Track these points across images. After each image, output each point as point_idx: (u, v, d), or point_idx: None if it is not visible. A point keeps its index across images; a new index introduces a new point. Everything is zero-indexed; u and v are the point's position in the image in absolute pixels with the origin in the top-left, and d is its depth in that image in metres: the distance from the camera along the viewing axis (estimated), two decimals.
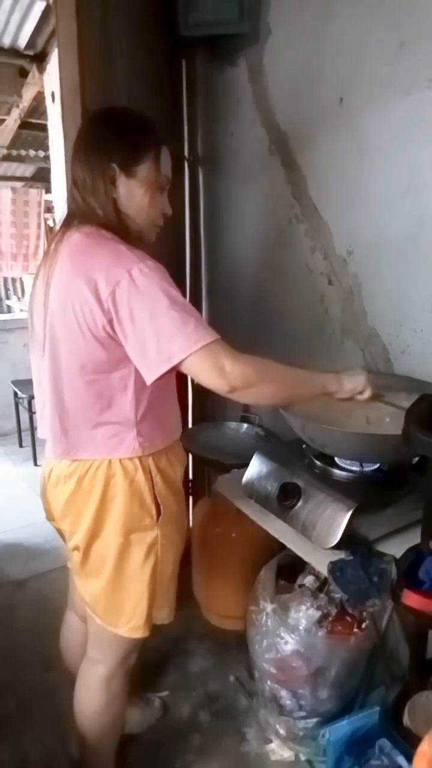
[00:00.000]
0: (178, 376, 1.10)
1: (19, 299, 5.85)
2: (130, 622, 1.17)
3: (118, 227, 1.07)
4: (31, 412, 3.61)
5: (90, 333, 1.01)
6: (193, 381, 2.11)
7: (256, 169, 1.83)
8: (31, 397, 3.46)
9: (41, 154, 5.16)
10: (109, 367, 1.05)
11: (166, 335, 0.96)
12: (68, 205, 1.13)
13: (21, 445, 3.95)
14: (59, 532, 1.26)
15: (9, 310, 5.78)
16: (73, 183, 1.10)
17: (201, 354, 0.97)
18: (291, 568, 1.51)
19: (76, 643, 1.41)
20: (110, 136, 1.08)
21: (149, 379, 1.00)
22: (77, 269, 1.01)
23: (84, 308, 0.99)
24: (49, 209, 5.30)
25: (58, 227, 1.14)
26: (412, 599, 0.94)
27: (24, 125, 4.22)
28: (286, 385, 1.10)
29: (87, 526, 1.13)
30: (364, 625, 1.35)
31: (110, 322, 0.99)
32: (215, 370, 0.98)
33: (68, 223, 1.10)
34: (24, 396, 3.68)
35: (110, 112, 1.16)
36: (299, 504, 1.20)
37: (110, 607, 1.17)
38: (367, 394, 1.15)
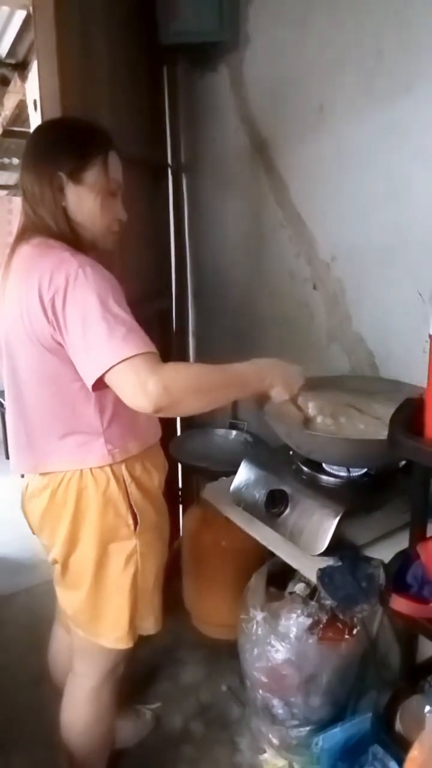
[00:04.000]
0: None
1: None
2: (113, 633, 1.16)
3: (70, 236, 1.06)
4: None
5: (40, 343, 1.00)
6: None
7: (239, 175, 1.84)
8: None
9: None
10: (67, 377, 1.03)
11: (94, 344, 0.93)
12: (21, 218, 1.11)
13: (7, 457, 3.90)
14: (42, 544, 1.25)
15: None
16: (23, 195, 1.09)
17: (123, 368, 0.91)
18: (281, 576, 1.50)
19: (64, 657, 1.38)
20: (55, 144, 1.07)
21: (89, 386, 0.96)
22: (24, 281, 1.00)
23: (32, 318, 0.98)
24: None
25: (12, 242, 1.11)
26: (400, 604, 0.94)
27: (6, 133, 4.20)
28: (215, 393, 1.03)
29: (63, 539, 1.12)
30: (354, 631, 1.34)
31: (54, 329, 0.97)
32: (136, 387, 0.91)
33: (21, 237, 1.09)
34: None
35: (55, 122, 1.18)
36: (287, 511, 1.20)
37: (92, 619, 1.16)
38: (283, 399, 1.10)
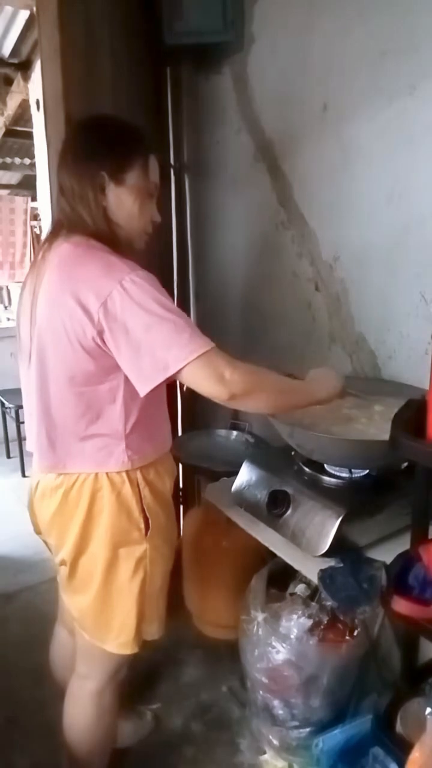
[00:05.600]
0: (168, 386, 1.09)
1: (5, 308, 5.81)
2: (119, 638, 1.15)
3: (108, 236, 1.06)
4: (18, 422, 3.58)
5: (79, 344, 1.00)
6: (182, 389, 2.11)
7: (243, 176, 1.84)
8: (19, 407, 3.43)
9: (27, 161, 5.15)
10: (97, 378, 1.04)
11: (161, 345, 0.95)
12: (56, 214, 1.12)
13: (9, 456, 3.91)
14: (47, 544, 1.25)
15: None
16: (61, 191, 1.09)
17: (198, 363, 0.95)
18: (282, 576, 1.50)
19: (65, 656, 1.38)
20: (100, 144, 1.07)
21: (143, 390, 0.99)
22: (67, 280, 1.00)
23: (73, 319, 0.98)
24: (35, 217, 5.28)
25: (45, 236, 1.12)
26: (401, 605, 0.94)
27: (9, 133, 4.20)
28: (281, 394, 1.09)
29: (73, 541, 1.11)
30: (355, 633, 1.34)
31: (100, 333, 0.98)
32: (214, 377, 0.96)
33: (56, 232, 1.08)
34: (11, 406, 3.64)
35: (99, 120, 1.16)
36: (289, 512, 1.20)
37: (98, 623, 1.15)
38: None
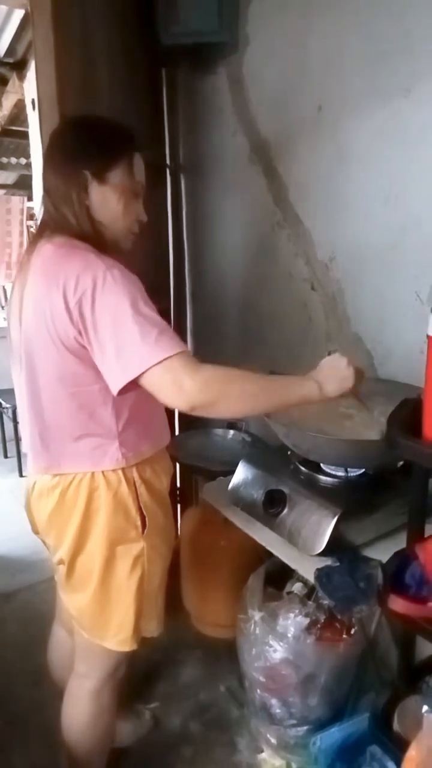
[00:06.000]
0: None
1: (1, 307, 5.80)
2: (118, 636, 1.16)
3: (92, 236, 1.06)
4: (15, 422, 3.57)
5: (62, 345, 1.00)
6: None
7: (238, 177, 1.84)
8: (15, 407, 3.42)
9: (23, 161, 5.14)
10: (86, 379, 1.03)
11: (126, 347, 0.93)
12: (42, 214, 1.12)
13: (6, 456, 3.91)
14: (45, 544, 1.25)
15: None
16: (46, 192, 1.09)
17: (159, 369, 0.92)
18: (279, 575, 1.50)
19: (64, 656, 1.39)
20: (82, 143, 1.07)
21: (114, 390, 0.97)
22: (48, 281, 1.00)
23: (55, 319, 0.98)
24: (31, 216, 5.28)
25: (31, 238, 1.13)
26: (398, 604, 0.95)
27: (5, 133, 4.20)
28: (257, 398, 1.01)
29: (71, 540, 1.12)
30: (352, 631, 1.35)
31: (79, 332, 0.97)
32: (174, 387, 0.92)
33: (41, 233, 1.08)
34: (8, 406, 3.64)
35: (81, 120, 1.16)
36: (285, 511, 1.21)
37: (97, 621, 1.16)
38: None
